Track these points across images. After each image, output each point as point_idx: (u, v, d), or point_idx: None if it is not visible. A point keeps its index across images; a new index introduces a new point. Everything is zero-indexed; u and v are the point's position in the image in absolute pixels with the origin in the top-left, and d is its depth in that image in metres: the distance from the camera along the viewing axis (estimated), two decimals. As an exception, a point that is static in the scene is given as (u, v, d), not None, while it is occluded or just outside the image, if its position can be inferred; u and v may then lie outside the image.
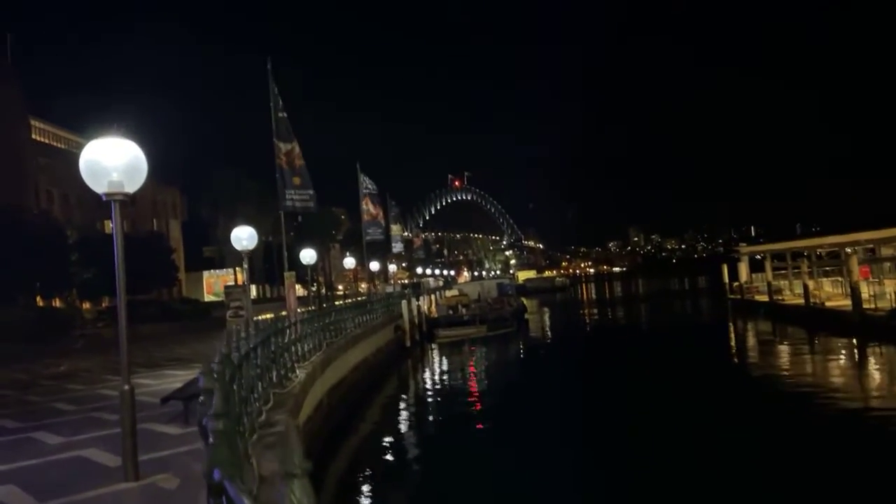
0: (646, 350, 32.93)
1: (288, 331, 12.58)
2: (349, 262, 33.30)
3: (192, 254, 67.76)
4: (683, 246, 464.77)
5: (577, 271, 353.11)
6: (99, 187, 5.63)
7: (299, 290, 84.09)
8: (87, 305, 47.68)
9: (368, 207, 33.16)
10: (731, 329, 40.83)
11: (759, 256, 49.13)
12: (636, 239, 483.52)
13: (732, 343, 35.31)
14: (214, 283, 68.23)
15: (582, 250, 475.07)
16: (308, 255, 20.53)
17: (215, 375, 4.36)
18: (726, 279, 51.60)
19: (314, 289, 49.79)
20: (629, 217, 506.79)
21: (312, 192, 18.12)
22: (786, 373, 23.59)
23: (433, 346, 39.82)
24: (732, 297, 49.00)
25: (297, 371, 12.19)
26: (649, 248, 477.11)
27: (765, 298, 42.42)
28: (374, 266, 39.37)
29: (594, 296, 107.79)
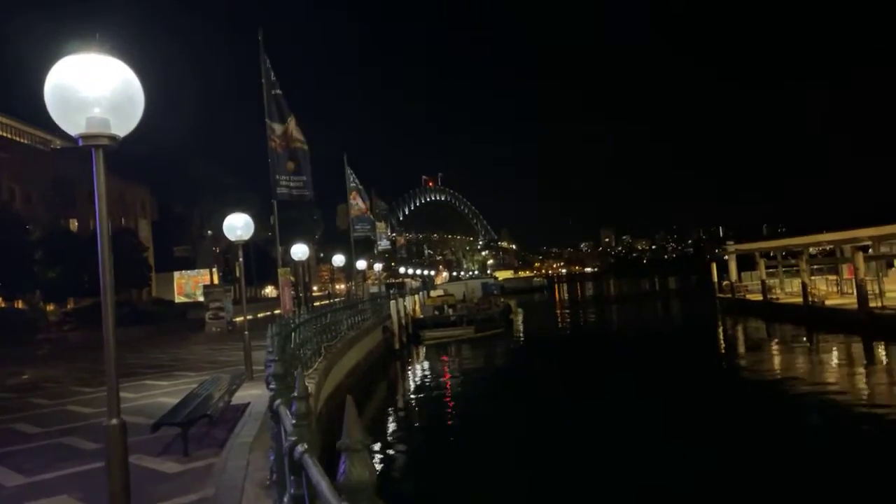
0: (645, 351, 31.65)
1: (293, 334, 10.81)
2: (338, 259, 31.37)
3: (161, 254, 65.56)
4: (654, 247, 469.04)
5: (550, 272, 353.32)
6: (72, 127, 3.84)
7: (272, 291, 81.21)
8: (51, 307, 45.00)
9: (357, 202, 31.27)
10: (727, 329, 39.86)
11: (725, 258, 48.79)
12: (607, 240, 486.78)
13: (734, 343, 34.20)
14: (185, 284, 65.84)
15: (554, 251, 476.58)
16: (300, 251, 18.70)
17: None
18: (715, 278, 50.76)
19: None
20: (601, 218, 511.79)
21: (307, 178, 16.27)
22: (797, 374, 22.61)
23: (421, 348, 38.24)
24: (722, 295, 48.11)
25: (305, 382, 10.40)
26: (620, 248, 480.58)
27: (758, 297, 41.56)
28: (362, 264, 37.51)
29: (572, 296, 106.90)
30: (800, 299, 35.35)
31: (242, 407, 9.07)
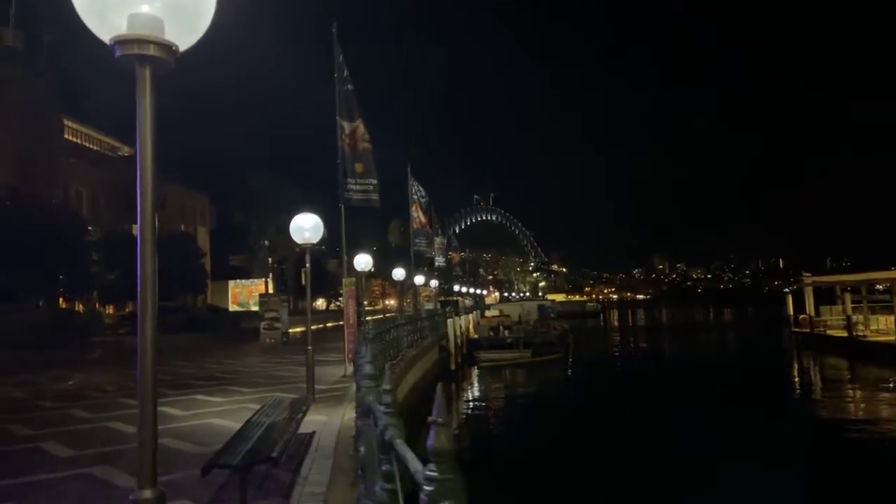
0: (725, 388, 29.11)
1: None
2: (399, 273, 30.20)
3: (217, 263, 66.10)
4: (709, 276, 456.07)
5: (600, 297, 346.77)
6: (108, 29, 2.48)
7: (322, 304, 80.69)
8: (110, 310, 45.22)
9: (418, 215, 30.07)
10: (806, 366, 37.19)
11: (786, 290, 45.76)
12: (661, 267, 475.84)
13: (820, 383, 31.55)
14: (240, 293, 65.99)
15: (605, 276, 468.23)
16: (363, 261, 17.46)
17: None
18: (791, 311, 47.79)
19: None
20: (654, 245, 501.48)
21: (376, 182, 15.02)
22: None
23: (476, 370, 36.73)
24: (799, 330, 45.04)
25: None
26: (674, 276, 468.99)
27: (841, 333, 38.62)
28: (419, 279, 36.30)
29: (624, 323, 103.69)
30: (890, 337, 32.65)
31: (307, 438, 7.71)
